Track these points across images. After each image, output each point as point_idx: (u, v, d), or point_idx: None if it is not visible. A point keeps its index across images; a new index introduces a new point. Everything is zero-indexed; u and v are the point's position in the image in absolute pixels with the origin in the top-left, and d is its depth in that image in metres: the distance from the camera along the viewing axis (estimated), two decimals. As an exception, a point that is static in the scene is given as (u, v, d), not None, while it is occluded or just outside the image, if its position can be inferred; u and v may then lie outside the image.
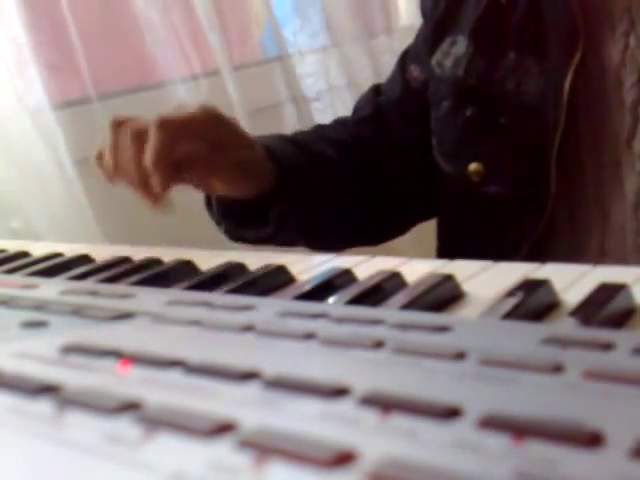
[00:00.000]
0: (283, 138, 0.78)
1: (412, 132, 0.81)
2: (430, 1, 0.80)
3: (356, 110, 0.89)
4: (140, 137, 0.62)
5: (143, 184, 0.62)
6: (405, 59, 0.85)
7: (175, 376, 0.26)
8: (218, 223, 0.75)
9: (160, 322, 0.34)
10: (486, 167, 0.72)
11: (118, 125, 0.64)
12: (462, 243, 0.79)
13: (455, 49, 0.75)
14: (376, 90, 0.88)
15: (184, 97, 1.36)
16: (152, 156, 0.60)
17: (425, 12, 0.82)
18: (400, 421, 0.21)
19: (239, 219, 0.73)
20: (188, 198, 1.40)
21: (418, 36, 0.84)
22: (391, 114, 0.83)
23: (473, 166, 0.73)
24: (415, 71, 0.81)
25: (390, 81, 0.87)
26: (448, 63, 0.75)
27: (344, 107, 1.59)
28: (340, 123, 0.87)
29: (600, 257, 0.68)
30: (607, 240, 0.68)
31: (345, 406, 0.22)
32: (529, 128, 0.69)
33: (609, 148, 0.66)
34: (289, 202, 0.72)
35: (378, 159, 0.82)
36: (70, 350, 0.31)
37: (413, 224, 0.88)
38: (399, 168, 0.82)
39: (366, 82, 1.57)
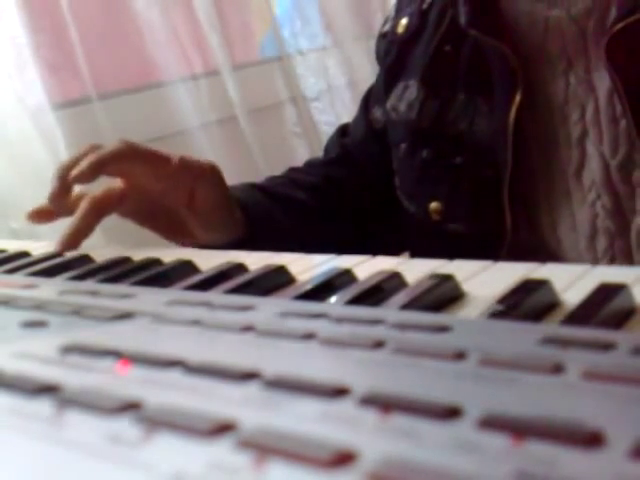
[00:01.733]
0: (251, 186, 0.80)
1: (378, 172, 0.84)
2: (383, 47, 0.84)
3: (326, 151, 0.91)
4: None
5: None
6: (368, 100, 0.87)
7: (175, 376, 0.26)
8: None
9: (160, 322, 0.34)
10: (445, 206, 0.75)
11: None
12: None
13: (408, 93, 0.78)
14: (342, 131, 0.91)
15: (184, 97, 1.36)
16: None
17: (379, 57, 0.85)
18: (400, 421, 0.21)
19: None
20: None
21: (377, 79, 0.86)
22: (357, 155, 0.86)
23: (433, 205, 0.75)
24: (377, 112, 0.84)
25: (355, 122, 0.90)
26: (402, 107, 0.78)
27: (344, 107, 1.59)
28: (311, 166, 0.90)
29: None
30: None
31: (345, 406, 0.22)
32: (483, 166, 0.72)
33: (559, 181, 0.68)
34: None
35: (348, 199, 0.84)
36: (70, 350, 0.31)
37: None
38: (368, 207, 0.85)
39: (366, 82, 1.57)
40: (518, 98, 0.67)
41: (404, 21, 0.79)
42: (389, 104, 0.79)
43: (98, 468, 0.20)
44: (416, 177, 0.77)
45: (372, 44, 1.61)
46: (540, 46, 0.67)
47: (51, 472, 0.21)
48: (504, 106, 0.68)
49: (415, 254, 0.82)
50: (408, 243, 0.83)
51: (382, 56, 0.83)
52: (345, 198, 0.84)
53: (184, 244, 0.72)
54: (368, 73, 1.58)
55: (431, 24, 0.76)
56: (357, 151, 0.86)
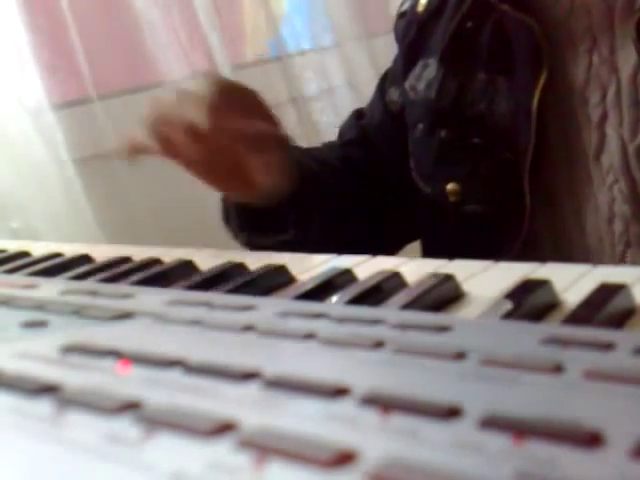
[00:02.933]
0: (298, 147, 0.79)
1: (395, 154, 0.83)
2: (402, 26, 0.82)
3: (341, 135, 0.91)
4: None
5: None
6: (384, 82, 0.87)
7: (175, 376, 0.26)
8: (236, 236, 0.76)
9: (160, 322, 0.34)
10: (462, 187, 0.74)
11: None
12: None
13: (427, 72, 0.77)
14: (358, 114, 0.89)
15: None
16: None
17: (398, 37, 0.84)
18: (400, 421, 0.21)
19: (259, 228, 0.73)
20: (188, 199, 1.40)
21: (395, 60, 0.85)
22: (374, 137, 0.85)
23: (450, 186, 0.74)
24: (394, 94, 0.83)
25: (371, 105, 0.88)
26: (421, 86, 0.77)
27: (344, 107, 1.59)
28: (327, 147, 0.88)
29: None
30: (589, 253, 0.70)
31: (345, 406, 0.22)
32: (502, 147, 0.71)
33: (580, 164, 0.68)
34: (308, 205, 0.72)
35: (365, 181, 0.83)
36: (70, 350, 0.31)
37: (401, 243, 0.88)
38: (385, 188, 0.84)
39: (366, 82, 1.58)
40: (543, 78, 0.66)
41: (424, 0, 0.79)
42: (407, 83, 0.79)
43: (98, 468, 0.20)
44: (433, 158, 0.76)
45: (372, 44, 1.61)
46: (564, 24, 0.67)
47: (51, 472, 0.21)
48: (527, 87, 0.67)
49: (429, 238, 0.82)
50: (422, 227, 0.82)
51: (401, 36, 0.82)
52: (362, 179, 0.83)
53: (237, 196, 0.71)
54: (368, 73, 1.58)
55: (453, 1, 0.75)
56: (373, 133, 0.85)
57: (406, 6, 0.83)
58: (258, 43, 1.65)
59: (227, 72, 1.40)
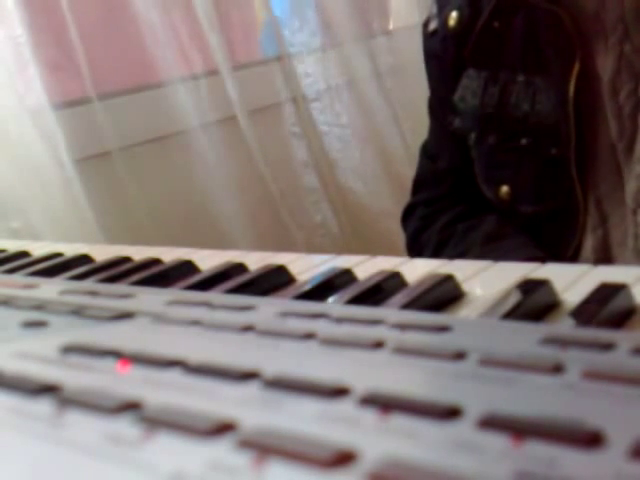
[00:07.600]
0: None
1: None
2: (437, 44, 0.82)
3: (422, 184, 0.89)
4: None
5: None
6: (439, 113, 0.85)
7: (175, 376, 0.26)
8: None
9: (160, 322, 0.34)
10: (512, 188, 0.76)
11: None
12: None
13: (470, 82, 0.78)
14: (430, 156, 0.88)
15: (184, 97, 1.36)
16: None
17: (435, 55, 0.83)
18: (400, 421, 0.21)
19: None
20: (188, 199, 1.40)
21: (433, 88, 0.86)
22: (464, 179, 0.84)
23: (503, 189, 0.76)
24: (455, 121, 0.83)
25: (440, 150, 0.87)
26: (468, 96, 0.78)
27: (343, 107, 1.59)
28: (437, 213, 0.86)
29: (607, 261, 0.71)
30: (611, 245, 0.70)
31: (345, 406, 0.22)
32: (548, 144, 0.72)
33: (608, 154, 0.68)
34: None
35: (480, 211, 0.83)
36: (70, 350, 0.31)
37: None
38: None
39: (365, 82, 1.58)
40: (577, 67, 0.67)
41: (454, 14, 0.79)
42: (457, 96, 0.80)
43: (98, 468, 0.20)
44: (485, 163, 0.78)
45: (372, 44, 1.61)
46: (596, 15, 0.67)
47: (51, 472, 0.21)
48: (562, 80, 0.68)
49: None
50: None
51: (440, 53, 0.82)
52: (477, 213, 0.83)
53: None
54: (367, 73, 1.58)
55: (485, 6, 0.75)
56: (463, 175, 0.84)
57: (435, 24, 0.82)
58: (257, 43, 1.65)
59: (227, 72, 1.40)
